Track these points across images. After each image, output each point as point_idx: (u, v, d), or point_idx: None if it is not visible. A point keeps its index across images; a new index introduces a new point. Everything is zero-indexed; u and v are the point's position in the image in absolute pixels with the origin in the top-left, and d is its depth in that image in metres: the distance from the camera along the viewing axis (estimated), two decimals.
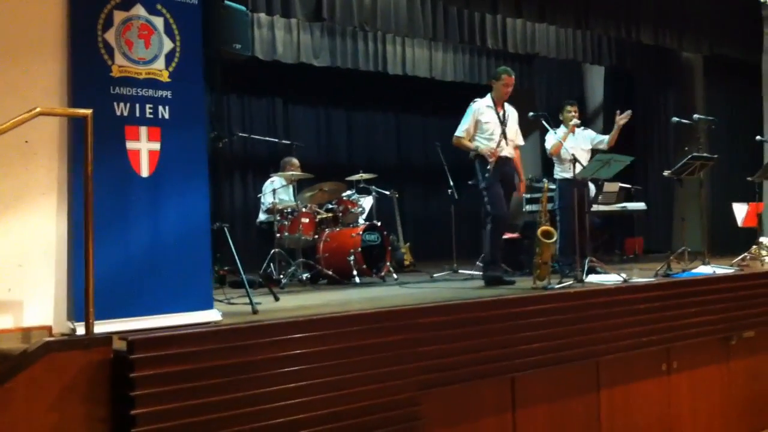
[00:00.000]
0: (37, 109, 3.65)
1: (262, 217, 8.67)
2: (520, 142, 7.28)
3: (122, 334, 3.81)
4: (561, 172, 7.72)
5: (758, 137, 9.92)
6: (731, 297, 6.72)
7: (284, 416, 4.06)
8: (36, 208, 4.16)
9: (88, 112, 3.79)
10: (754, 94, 11.03)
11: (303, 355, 4.21)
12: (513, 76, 7.10)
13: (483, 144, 6.90)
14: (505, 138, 6.90)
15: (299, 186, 8.52)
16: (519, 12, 8.56)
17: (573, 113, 8.01)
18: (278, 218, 7.85)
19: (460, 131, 7.08)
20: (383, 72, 10.47)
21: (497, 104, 7.04)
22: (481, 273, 7.33)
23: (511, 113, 7.12)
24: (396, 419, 4.51)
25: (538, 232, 6.39)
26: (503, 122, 6.93)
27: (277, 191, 8.33)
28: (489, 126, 6.92)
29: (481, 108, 7.01)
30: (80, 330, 3.98)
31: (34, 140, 4.12)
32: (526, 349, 5.25)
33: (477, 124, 6.99)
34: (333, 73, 10.41)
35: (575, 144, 7.70)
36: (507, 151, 6.92)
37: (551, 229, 6.45)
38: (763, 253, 8.37)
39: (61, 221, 4.23)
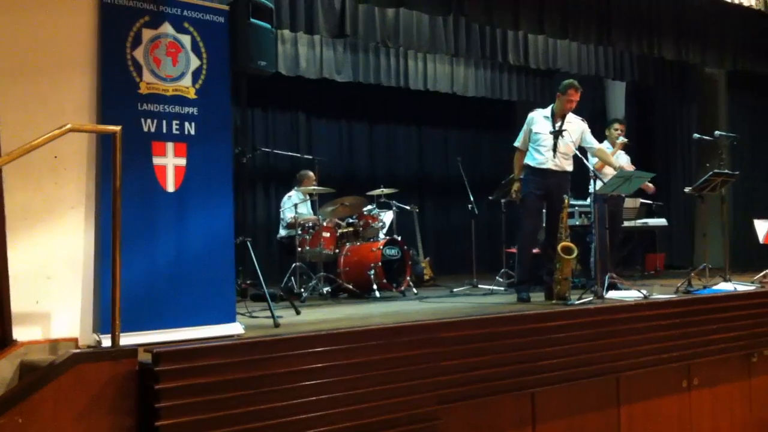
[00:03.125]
0: (68, 126, 3.73)
1: (282, 232, 8.73)
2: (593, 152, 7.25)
3: (147, 347, 3.87)
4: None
5: None
6: (752, 314, 6.70)
7: (306, 429, 4.10)
8: (64, 221, 4.24)
9: (117, 128, 3.87)
10: None
11: (325, 368, 4.25)
12: (579, 92, 6.90)
13: (533, 154, 6.86)
14: (555, 150, 6.78)
15: (319, 200, 8.58)
16: (542, 28, 8.59)
17: (621, 131, 8.05)
18: (299, 232, 7.92)
19: (516, 140, 7.08)
20: (405, 87, 10.53)
21: (556, 116, 6.90)
22: (501, 288, 7.35)
23: (574, 126, 6.93)
24: None
25: (559, 247, 6.40)
26: (557, 134, 6.76)
27: (297, 206, 8.40)
28: (540, 137, 6.81)
29: (536, 118, 6.93)
30: (105, 342, 4.05)
31: (63, 155, 4.20)
32: (546, 364, 5.26)
33: (530, 133, 6.93)
34: (355, 88, 10.49)
35: (620, 162, 7.76)
36: (553, 164, 6.78)
37: (571, 244, 6.46)
38: None
39: (88, 235, 4.30)
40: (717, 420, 6.43)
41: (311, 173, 8.79)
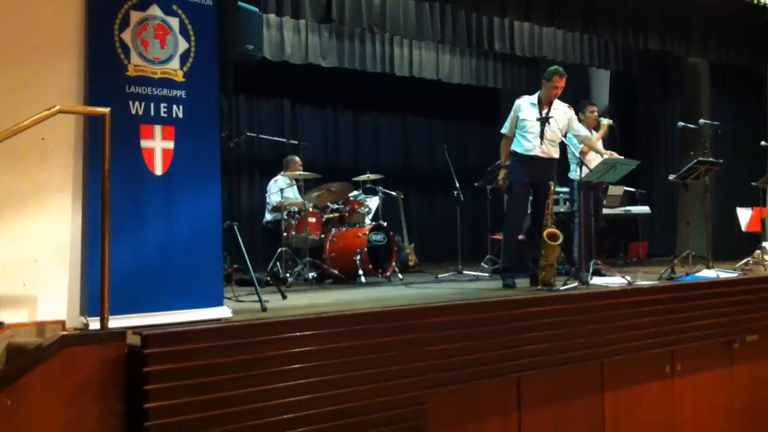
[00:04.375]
0: (57, 107, 3.71)
1: (268, 216, 8.72)
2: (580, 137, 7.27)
3: (136, 330, 3.87)
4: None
5: (763, 142, 9.97)
6: (734, 301, 6.77)
7: (293, 412, 4.12)
8: (51, 204, 4.21)
9: (106, 110, 3.85)
10: (760, 100, 11.07)
11: (312, 352, 4.27)
12: (564, 78, 6.92)
13: (520, 141, 6.88)
14: (542, 137, 6.80)
15: (305, 186, 8.58)
16: (528, 16, 8.60)
17: (596, 113, 8.09)
18: (285, 217, 7.92)
19: (503, 127, 7.09)
20: (390, 73, 10.51)
21: (543, 103, 6.91)
22: (486, 274, 7.37)
23: (560, 114, 6.96)
24: (402, 417, 4.57)
25: (544, 234, 6.43)
26: (544, 121, 6.79)
27: (283, 191, 8.38)
28: (527, 124, 6.83)
29: (523, 105, 6.96)
30: (93, 325, 4.04)
31: (50, 138, 4.17)
32: (531, 349, 5.30)
33: (516, 120, 6.94)
34: (340, 74, 10.46)
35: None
36: (540, 151, 6.79)
37: (557, 231, 6.49)
38: (766, 257, 8.42)
39: (75, 218, 4.28)
40: (699, 405, 6.50)
41: (298, 159, 8.78)
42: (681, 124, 8.31)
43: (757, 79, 11.06)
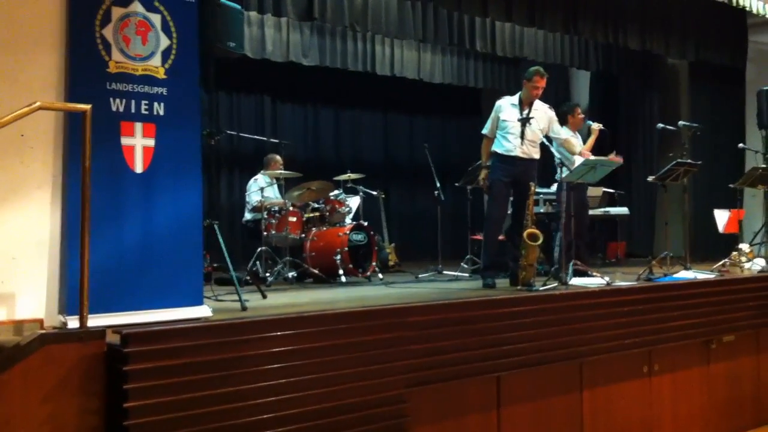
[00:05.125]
0: (37, 104, 3.68)
1: (248, 215, 8.69)
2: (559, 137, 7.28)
3: (116, 328, 3.84)
4: None
5: (741, 144, 10.07)
6: (712, 302, 6.83)
7: (274, 411, 4.12)
8: (30, 201, 4.18)
9: (87, 107, 3.83)
10: (738, 101, 11.17)
11: (293, 351, 4.27)
12: (545, 78, 6.93)
13: (501, 141, 6.89)
14: (522, 138, 6.81)
15: (286, 184, 8.55)
16: (509, 16, 8.61)
17: (583, 116, 8.12)
18: (265, 216, 7.89)
19: (484, 128, 7.10)
20: (372, 72, 10.51)
21: (523, 103, 6.93)
22: (466, 274, 7.38)
23: (541, 114, 6.97)
24: (383, 416, 4.57)
25: (525, 234, 6.45)
26: (525, 122, 6.79)
27: (263, 190, 8.36)
28: (508, 124, 6.84)
29: (504, 105, 6.97)
30: (71, 323, 4.02)
31: (30, 134, 4.14)
32: (511, 348, 5.33)
33: (497, 121, 6.95)
34: (322, 72, 10.44)
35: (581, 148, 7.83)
36: (521, 151, 6.80)
37: (537, 231, 6.52)
38: (743, 259, 8.49)
39: (54, 215, 4.25)
40: (676, 405, 6.55)
41: (278, 157, 8.75)
42: (660, 125, 8.36)
43: (736, 79, 11.17)
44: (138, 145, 4.48)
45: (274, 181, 8.64)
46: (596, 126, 8.00)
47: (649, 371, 6.37)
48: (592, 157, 7.33)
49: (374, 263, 8.12)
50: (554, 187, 8.20)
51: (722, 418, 6.95)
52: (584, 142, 8.10)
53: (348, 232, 7.88)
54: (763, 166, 9.25)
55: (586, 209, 8.27)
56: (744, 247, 8.71)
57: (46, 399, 3.53)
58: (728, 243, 9.00)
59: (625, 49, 10.26)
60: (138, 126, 4.48)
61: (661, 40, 9.98)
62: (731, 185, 8.90)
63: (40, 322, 4.17)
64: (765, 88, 10.22)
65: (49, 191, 4.23)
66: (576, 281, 6.65)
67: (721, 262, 8.25)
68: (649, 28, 9.77)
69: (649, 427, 6.34)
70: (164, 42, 4.58)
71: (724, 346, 6.95)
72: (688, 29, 10.23)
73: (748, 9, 9.83)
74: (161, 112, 4.55)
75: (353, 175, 8.82)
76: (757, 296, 7.26)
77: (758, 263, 8.33)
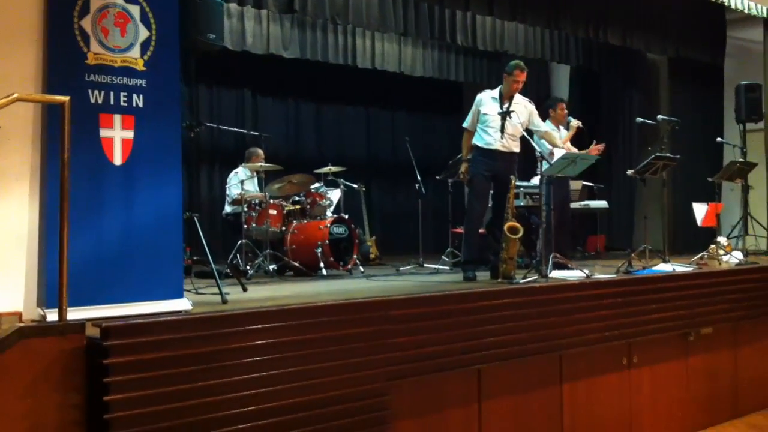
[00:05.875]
0: (15, 95, 3.64)
1: (228, 208, 8.64)
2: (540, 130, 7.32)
3: (96, 321, 3.82)
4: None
5: (719, 139, 10.16)
6: (690, 294, 6.88)
7: (255, 404, 4.10)
8: (8, 193, 4.14)
9: (66, 99, 3.79)
10: (716, 96, 11.26)
11: (274, 344, 4.26)
12: (525, 72, 6.95)
13: (481, 135, 6.89)
14: (503, 131, 6.82)
15: (266, 178, 8.52)
16: (491, 10, 8.62)
17: (566, 110, 8.15)
18: (246, 209, 7.86)
19: (465, 121, 7.10)
20: (353, 65, 10.49)
21: (504, 97, 6.94)
22: (446, 267, 7.39)
23: (521, 108, 6.98)
24: (364, 409, 4.57)
25: (505, 227, 6.47)
26: (505, 115, 6.81)
27: (244, 183, 8.33)
28: (488, 118, 6.85)
29: (485, 99, 6.97)
30: (50, 317, 3.99)
31: (7, 126, 4.08)
32: (492, 341, 5.34)
33: (478, 114, 6.96)
34: (302, 65, 10.41)
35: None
36: (501, 145, 6.82)
37: (517, 225, 6.54)
38: (721, 252, 8.57)
39: (33, 207, 4.21)
40: (655, 396, 6.60)
41: (260, 151, 8.70)
42: (639, 119, 8.40)
43: (715, 74, 11.25)
44: (117, 137, 4.45)
45: (255, 174, 8.61)
46: (575, 123, 8.04)
47: (629, 363, 6.41)
48: (574, 151, 7.36)
49: (355, 256, 8.11)
50: (534, 180, 8.23)
51: (700, 409, 7.01)
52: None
53: (329, 225, 7.87)
54: (741, 160, 9.34)
55: (569, 203, 8.29)
56: (722, 240, 8.80)
57: (25, 393, 3.50)
58: (706, 236, 9.08)
59: (605, 45, 10.31)
60: (117, 118, 4.45)
61: (642, 36, 10.04)
62: (710, 179, 8.98)
63: (19, 315, 4.13)
64: (743, 83, 10.33)
65: (27, 183, 4.20)
66: (556, 274, 6.68)
67: (699, 255, 8.32)
68: (629, 23, 9.83)
69: (628, 419, 6.39)
70: (143, 33, 4.55)
71: (703, 338, 7.01)
72: (668, 25, 10.30)
73: (727, 5, 9.91)
74: (140, 104, 4.52)
75: (334, 168, 8.80)
76: (735, 289, 7.33)
77: (736, 256, 8.42)
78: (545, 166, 6.79)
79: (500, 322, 5.43)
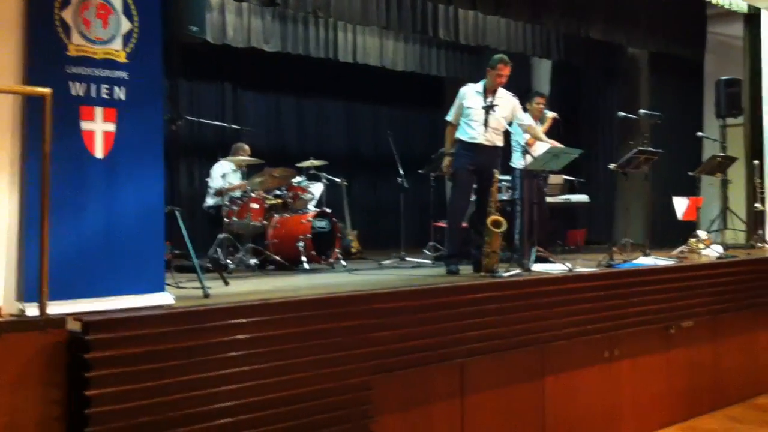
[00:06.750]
0: None
1: (209, 201, 8.60)
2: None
3: (76, 316, 3.78)
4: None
5: (699, 133, 10.23)
6: (671, 288, 6.93)
7: (237, 399, 4.08)
8: None
9: (48, 91, 3.74)
10: (697, 91, 11.33)
11: (257, 338, 4.24)
12: (509, 66, 6.93)
13: (465, 128, 6.88)
14: (486, 125, 6.80)
15: (248, 172, 8.48)
16: (474, 4, 8.62)
17: (543, 105, 8.15)
18: (227, 203, 7.82)
19: (448, 115, 7.09)
20: (334, 59, 10.47)
21: (487, 91, 6.92)
22: (428, 261, 7.38)
23: (505, 102, 6.97)
24: (348, 403, 4.57)
25: (488, 221, 6.48)
26: (488, 109, 6.80)
27: (226, 176, 8.28)
28: (471, 111, 6.83)
29: (468, 93, 6.95)
30: (30, 311, 3.93)
31: None
32: (474, 335, 5.35)
33: (461, 108, 6.94)
34: (283, 59, 10.37)
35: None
36: (484, 139, 6.81)
37: (500, 218, 6.54)
38: (700, 246, 8.63)
39: (13, 200, 4.14)
40: (636, 389, 6.64)
41: (246, 146, 8.68)
42: (621, 114, 8.44)
43: (695, 69, 11.32)
44: (98, 129, 4.39)
45: (238, 168, 8.57)
46: (551, 114, 8.07)
47: (610, 356, 6.44)
48: (558, 146, 7.38)
49: (337, 250, 8.10)
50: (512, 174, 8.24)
51: (681, 402, 7.06)
52: None
53: (311, 219, 7.85)
54: (721, 154, 9.41)
55: (543, 195, 8.30)
56: (701, 234, 8.86)
57: (5, 389, 3.45)
58: (686, 230, 9.13)
59: (587, 39, 10.32)
60: (98, 110, 4.39)
61: (623, 31, 10.07)
62: (690, 173, 9.04)
63: None
64: (723, 78, 10.39)
65: (6, 177, 4.13)
66: (538, 267, 6.70)
67: (679, 249, 8.37)
68: (611, 18, 9.85)
69: (610, 411, 6.43)
70: (125, 25, 4.49)
71: (684, 331, 7.06)
72: (649, 20, 10.33)
73: (707, 0, 9.97)
74: (122, 97, 4.47)
75: (316, 162, 8.78)
76: (715, 282, 7.39)
77: (715, 250, 8.48)
78: (528, 159, 6.80)
79: (483, 315, 5.44)
